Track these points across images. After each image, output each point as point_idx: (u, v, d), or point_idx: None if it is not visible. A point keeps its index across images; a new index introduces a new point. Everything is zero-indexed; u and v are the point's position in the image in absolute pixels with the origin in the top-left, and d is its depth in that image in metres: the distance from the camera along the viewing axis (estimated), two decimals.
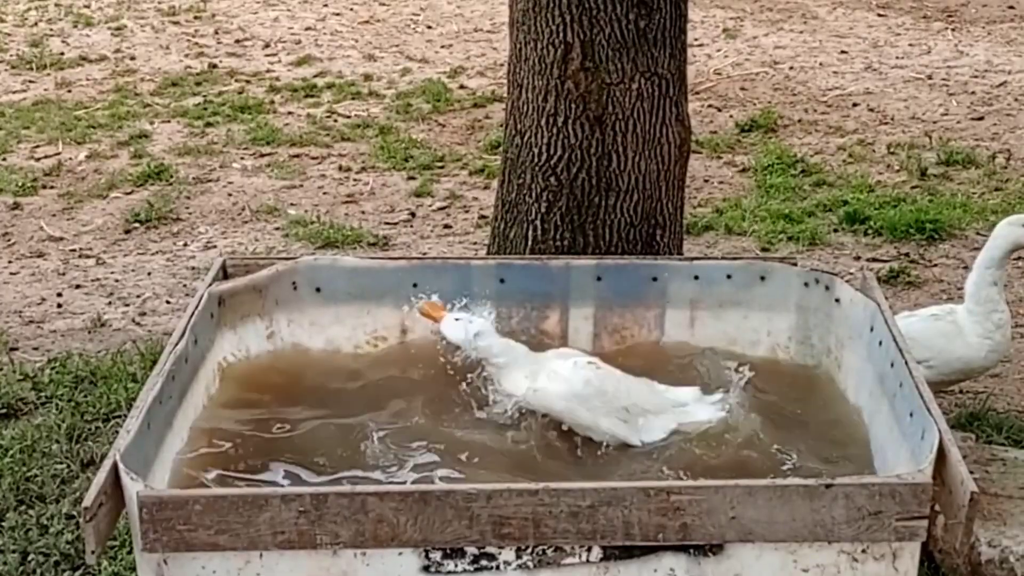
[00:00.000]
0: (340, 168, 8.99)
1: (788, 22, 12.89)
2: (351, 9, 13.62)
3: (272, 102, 10.53)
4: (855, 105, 10.27)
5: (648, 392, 4.49)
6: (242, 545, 3.65)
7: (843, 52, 11.78)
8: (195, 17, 13.30)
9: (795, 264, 5.02)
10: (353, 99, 10.62)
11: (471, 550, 3.68)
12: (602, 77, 5.27)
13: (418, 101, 10.46)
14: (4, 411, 5.61)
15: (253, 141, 9.50)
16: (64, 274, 7.30)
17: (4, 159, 9.17)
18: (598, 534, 3.66)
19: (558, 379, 4.37)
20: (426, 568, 3.68)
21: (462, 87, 10.91)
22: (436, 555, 3.68)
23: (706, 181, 8.66)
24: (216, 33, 12.72)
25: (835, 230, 7.72)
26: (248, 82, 11.11)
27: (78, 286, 7.15)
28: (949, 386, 5.36)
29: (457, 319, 4.50)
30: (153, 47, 12.21)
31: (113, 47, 12.21)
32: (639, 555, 3.70)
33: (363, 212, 8.20)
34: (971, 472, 3.72)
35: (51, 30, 12.82)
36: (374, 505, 3.62)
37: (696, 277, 5.00)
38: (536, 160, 5.40)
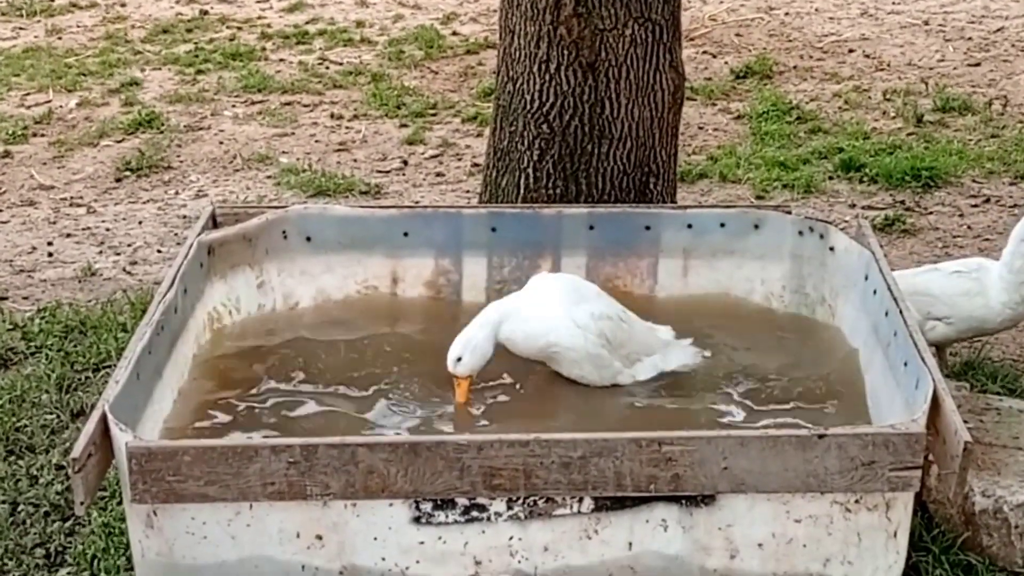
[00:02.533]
0: (332, 116, 8.93)
1: None
2: None
3: (263, 49, 10.46)
4: (851, 51, 10.20)
5: (646, 334, 4.50)
6: (232, 496, 3.64)
7: None
8: None
9: (789, 212, 4.99)
10: (345, 46, 10.55)
11: (462, 501, 3.67)
12: (595, 23, 5.22)
13: (410, 48, 10.39)
14: None
15: (244, 88, 9.44)
16: (55, 223, 7.26)
17: None
18: (589, 485, 3.65)
19: (571, 337, 4.36)
20: (417, 519, 3.67)
21: (455, 34, 10.83)
22: (427, 506, 3.67)
23: (700, 128, 8.61)
24: None
25: (830, 177, 7.67)
26: (239, 29, 11.03)
27: (69, 235, 7.11)
28: (962, 342, 5.31)
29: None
30: None
31: None
32: (631, 506, 3.69)
33: (355, 160, 8.15)
34: (965, 422, 3.70)
35: None
36: (364, 456, 3.60)
37: (689, 226, 4.98)
38: (528, 107, 5.35)
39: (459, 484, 3.63)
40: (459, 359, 4.31)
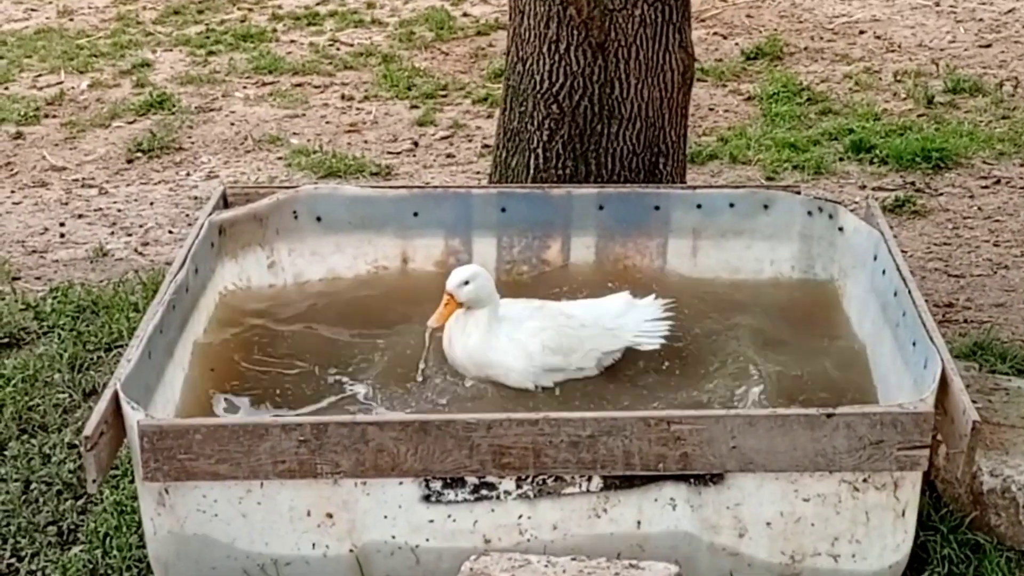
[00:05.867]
0: (343, 97, 8.93)
1: None
2: None
3: (274, 30, 10.45)
4: (862, 32, 10.17)
5: (595, 324, 4.48)
6: (243, 474, 3.66)
7: None
8: None
9: (798, 192, 5.00)
10: (356, 27, 10.54)
11: (471, 479, 3.68)
12: (604, 3, 5.21)
13: (421, 29, 10.38)
14: (6, 340, 5.60)
15: (255, 70, 9.43)
16: (67, 204, 7.27)
17: (6, 88, 9.10)
18: (598, 464, 3.66)
19: (517, 358, 4.35)
20: (427, 497, 3.69)
21: (465, 15, 10.82)
22: (436, 484, 3.68)
23: (711, 109, 8.60)
24: None
25: (841, 159, 7.66)
26: (250, 10, 11.02)
27: (80, 216, 7.12)
28: None
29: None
30: None
31: None
32: (639, 484, 3.71)
33: (366, 141, 8.15)
34: (973, 401, 3.71)
35: None
36: (374, 434, 3.62)
37: (699, 206, 4.99)
38: (538, 88, 5.35)
39: (468, 462, 3.65)
40: (466, 283, 4.32)
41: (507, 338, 4.35)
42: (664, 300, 4.65)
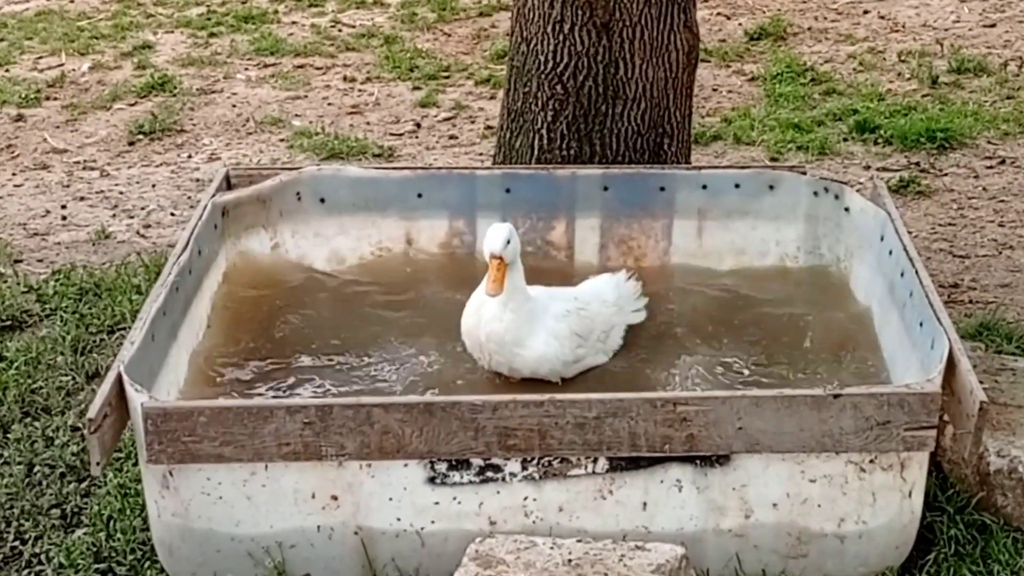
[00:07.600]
0: (345, 79, 8.90)
1: None
2: None
3: (276, 12, 10.41)
4: (866, 12, 10.14)
5: (601, 306, 4.45)
6: (247, 456, 3.65)
7: None
8: None
9: (804, 173, 4.98)
10: (358, 8, 10.51)
11: (477, 461, 3.67)
12: None
13: (423, 10, 10.35)
14: (9, 323, 5.58)
15: (257, 51, 9.41)
16: (68, 186, 7.26)
17: (7, 70, 9.08)
18: (604, 445, 3.65)
19: (550, 345, 4.29)
20: (432, 479, 3.68)
21: None
22: (442, 466, 3.67)
23: (715, 90, 8.57)
24: None
25: (845, 139, 7.64)
26: None
27: (82, 198, 7.10)
28: None
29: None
30: None
31: None
32: (646, 466, 3.69)
33: (368, 123, 8.13)
34: (980, 382, 3.70)
35: None
36: (379, 416, 3.61)
37: (704, 187, 4.97)
38: (542, 68, 5.33)
39: (474, 444, 3.64)
40: (508, 241, 4.17)
41: (540, 324, 4.27)
42: (628, 272, 4.68)
